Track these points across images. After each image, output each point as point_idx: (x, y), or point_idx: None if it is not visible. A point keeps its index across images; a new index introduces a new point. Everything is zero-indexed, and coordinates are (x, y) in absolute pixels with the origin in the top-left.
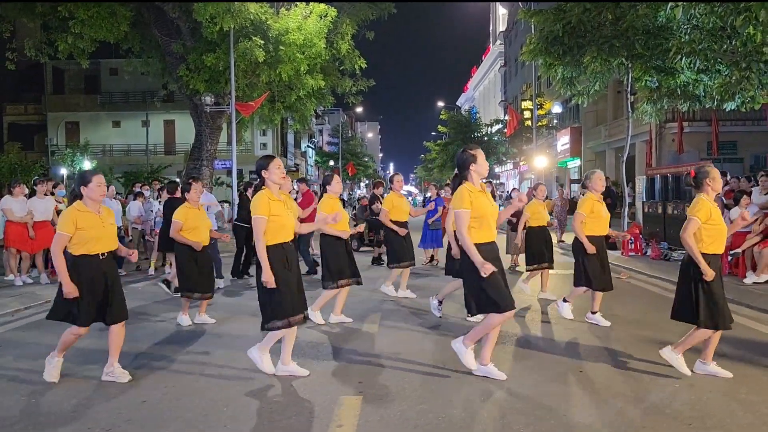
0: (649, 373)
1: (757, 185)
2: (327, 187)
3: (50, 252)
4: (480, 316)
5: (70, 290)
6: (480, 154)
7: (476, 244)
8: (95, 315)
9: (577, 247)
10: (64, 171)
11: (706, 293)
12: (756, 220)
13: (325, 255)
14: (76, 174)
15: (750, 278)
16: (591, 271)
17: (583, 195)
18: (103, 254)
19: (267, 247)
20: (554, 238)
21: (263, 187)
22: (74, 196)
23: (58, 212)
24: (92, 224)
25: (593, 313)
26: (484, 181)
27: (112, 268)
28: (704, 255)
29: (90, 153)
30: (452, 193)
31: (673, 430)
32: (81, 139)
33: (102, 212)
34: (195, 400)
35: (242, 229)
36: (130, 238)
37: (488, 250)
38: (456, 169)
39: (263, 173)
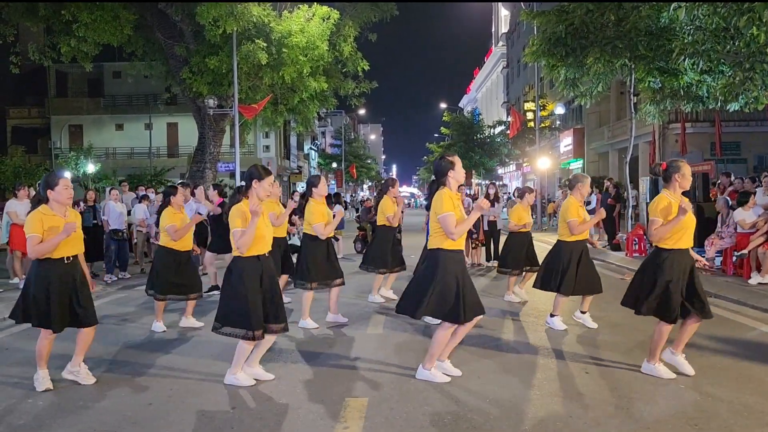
0: (654, 374)
1: (761, 186)
2: (313, 189)
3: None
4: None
5: None
6: (458, 162)
7: (448, 251)
8: (68, 319)
9: (557, 251)
10: (67, 174)
11: (660, 285)
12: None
13: (304, 254)
14: (41, 179)
15: (755, 279)
16: (568, 276)
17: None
18: (68, 258)
19: (243, 258)
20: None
21: (245, 196)
22: (38, 200)
23: None
24: (57, 228)
25: (582, 312)
26: (486, 183)
27: (78, 272)
28: (670, 251)
29: (93, 156)
30: (429, 199)
31: (678, 430)
32: (84, 142)
33: (68, 215)
34: (201, 402)
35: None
36: (135, 240)
37: (458, 260)
38: (433, 176)
39: (254, 183)
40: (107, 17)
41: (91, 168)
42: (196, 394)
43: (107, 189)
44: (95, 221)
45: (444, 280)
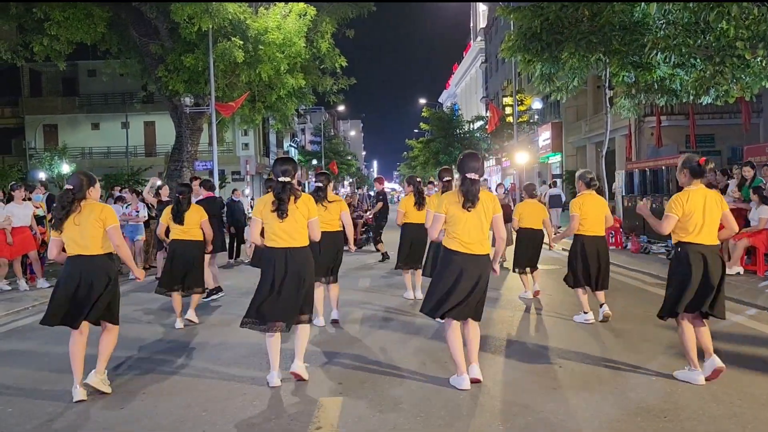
0: (626, 367)
1: (734, 178)
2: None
3: (29, 258)
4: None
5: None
6: None
7: None
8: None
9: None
10: (42, 175)
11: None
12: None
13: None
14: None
15: None
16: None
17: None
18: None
19: None
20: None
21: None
22: None
23: (36, 217)
24: None
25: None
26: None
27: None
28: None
29: (69, 156)
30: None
31: (648, 422)
32: (59, 142)
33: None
34: (173, 405)
35: None
36: None
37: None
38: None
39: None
40: (80, 15)
41: (65, 168)
42: (167, 397)
43: None
44: None
45: None
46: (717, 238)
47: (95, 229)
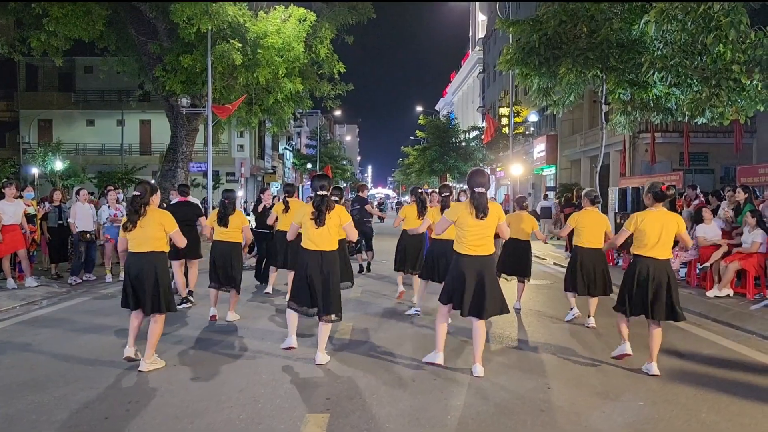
0: (615, 389)
1: (725, 200)
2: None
3: (18, 256)
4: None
5: None
6: None
7: None
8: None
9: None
10: (35, 170)
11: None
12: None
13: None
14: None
15: (712, 292)
16: None
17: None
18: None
19: None
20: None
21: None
22: None
23: (27, 215)
24: None
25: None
26: (460, 186)
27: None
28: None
29: (62, 152)
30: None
31: None
32: (54, 138)
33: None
34: (159, 417)
35: (261, 235)
36: (102, 242)
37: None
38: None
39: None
40: (79, 12)
41: (58, 165)
42: (153, 408)
43: (74, 189)
44: (61, 221)
45: None
46: (669, 254)
47: (156, 231)
